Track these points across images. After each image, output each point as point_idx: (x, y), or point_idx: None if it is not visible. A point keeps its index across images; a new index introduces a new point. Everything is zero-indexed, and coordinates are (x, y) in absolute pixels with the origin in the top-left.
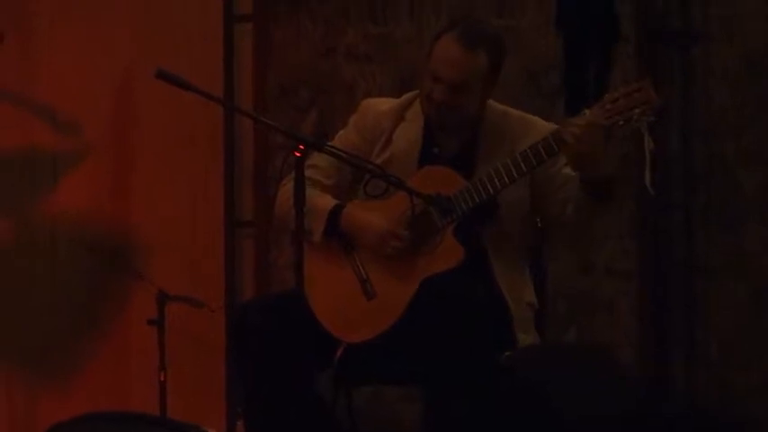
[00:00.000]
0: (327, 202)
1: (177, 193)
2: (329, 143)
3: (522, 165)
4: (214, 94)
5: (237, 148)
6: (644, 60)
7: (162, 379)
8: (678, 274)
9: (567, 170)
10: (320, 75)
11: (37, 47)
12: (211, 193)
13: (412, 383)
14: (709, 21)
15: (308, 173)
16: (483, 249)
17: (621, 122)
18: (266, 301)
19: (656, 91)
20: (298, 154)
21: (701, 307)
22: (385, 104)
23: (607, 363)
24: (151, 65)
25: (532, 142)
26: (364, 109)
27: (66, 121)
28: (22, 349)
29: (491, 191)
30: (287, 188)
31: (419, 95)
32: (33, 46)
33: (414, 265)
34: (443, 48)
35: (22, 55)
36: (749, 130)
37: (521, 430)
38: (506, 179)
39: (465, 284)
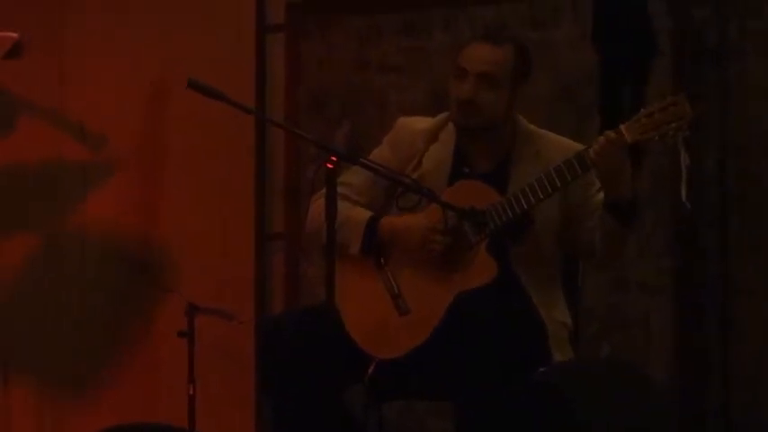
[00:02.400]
0: (363, 214)
1: (207, 205)
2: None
3: (557, 179)
4: (245, 105)
5: (268, 160)
6: (680, 76)
7: (191, 392)
8: (713, 292)
9: (600, 197)
10: (352, 87)
11: (67, 60)
12: (242, 205)
13: (443, 399)
14: (747, 36)
15: (340, 189)
16: (515, 268)
17: (657, 137)
18: (297, 315)
19: (691, 105)
20: (330, 166)
21: (736, 326)
22: (420, 123)
23: (640, 381)
24: (182, 76)
25: (560, 161)
26: (399, 127)
27: (95, 134)
28: (51, 363)
29: (525, 206)
30: (319, 203)
31: (449, 112)
32: (63, 59)
33: (446, 280)
34: (470, 47)
35: (53, 68)
36: None
37: None
38: (540, 194)
39: (498, 300)
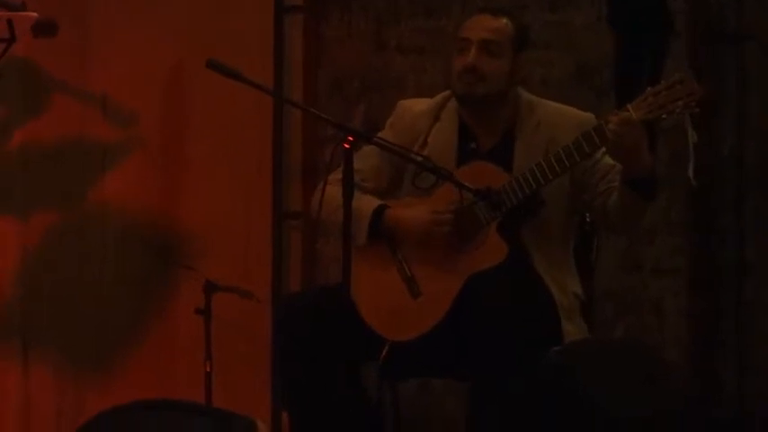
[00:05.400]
0: (369, 203)
1: (226, 184)
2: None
3: (566, 159)
4: (263, 85)
5: (286, 140)
6: (696, 59)
7: (208, 369)
8: (728, 275)
9: (607, 159)
10: (371, 68)
11: (91, 38)
12: (260, 184)
13: (458, 378)
14: (764, 20)
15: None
16: (526, 245)
17: (665, 116)
18: (313, 294)
19: (698, 84)
20: (347, 146)
21: (751, 309)
22: (420, 105)
23: (654, 361)
24: (202, 57)
25: (570, 133)
26: (400, 111)
27: (117, 111)
28: (70, 340)
29: (535, 186)
30: (330, 190)
31: (451, 88)
32: (87, 36)
33: (458, 262)
34: (470, 19)
35: (76, 46)
36: None
37: (565, 427)
38: (549, 174)
39: (510, 281)
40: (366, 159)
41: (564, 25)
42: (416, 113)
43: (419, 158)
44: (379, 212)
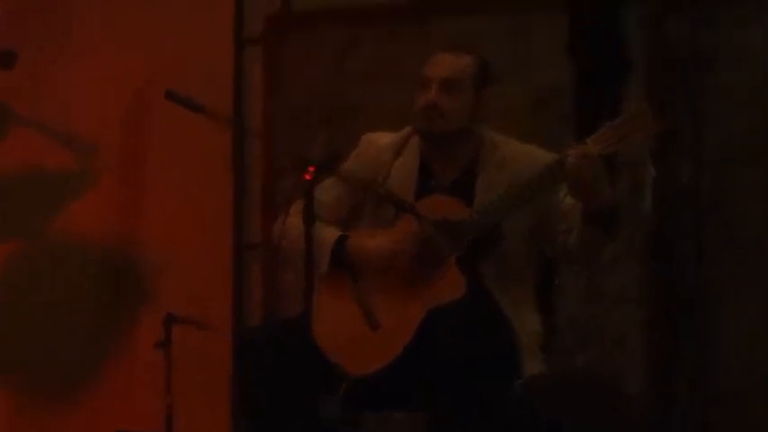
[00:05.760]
0: (332, 233)
1: (186, 214)
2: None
3: (525, 192)
4: (223, 115)
5: (247, 171)
6: (654, 88)
7: (168, 401)
8: (687, 303)
9: (569, 199)
10: (329, 96)
11: (49, 69)
12: (220, 214)
13: (419, 411)
14: (720, 47)
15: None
16: (486, 279)
17: (622, 149)
18: (273, 327)
19: (656, 116)
20: (308, 177)
21: (711, 337)
22: (384, 138)
23: (614, 391)
24: (161, 86)
25: (533, 172)
26: (365, 143)
27: (77, 140)
28: (29, 370)
29: (495, 218)
30: (292, 221)
31: (412, 124)
32: (46, 68)
33: (418, 296)
34: (433, 57)
35: (35, 77)
36: (761, 158)
37: None
38: (510, 207)
39: (469, 314)
40: (328, 191)
41: (522, 54)
42: (380, 147)
43: (381, 190)
44: (341, 241)
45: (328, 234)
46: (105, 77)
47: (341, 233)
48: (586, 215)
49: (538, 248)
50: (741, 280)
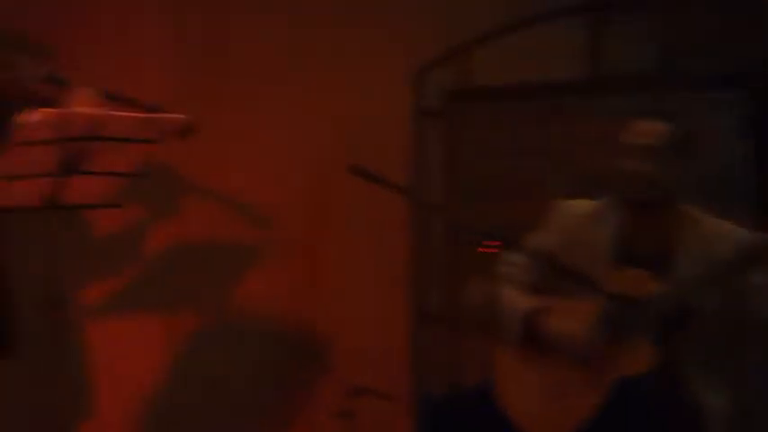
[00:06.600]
0: (522, 305)
1: (365, 285)
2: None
3: (725, 273)
4: (403, 187)
5: (428, 243)
6: None
7: None
8: None
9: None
10: (507, 172)
11: (228, 139)
12: (400, 284)
13: None
14: None
15: (505, 269)
16: (676, 354)
17: None
18: (458, 397)
19: None
20: (494, 251)
21: None
22: (583, 206)
23: None
24: (342, 158)
25: (728, 249)
26: (564, 210)
27: (255, 212)
28: None
29: (692, 299)
30: (486, 288)
31: (615, 191)
32: (227, 141)
33: (605, 367)
34: (634, 125)
35: (216, 150)
36: None
37: None
38: (707, 287)
39: (657, 388)
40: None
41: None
42: (579, 215)
43: (568, 268)
44: (530, 317)
45: (520, 305)
46: (285, 149)
47: (532, 306)
48: None
49: (731, 326)
50: None
